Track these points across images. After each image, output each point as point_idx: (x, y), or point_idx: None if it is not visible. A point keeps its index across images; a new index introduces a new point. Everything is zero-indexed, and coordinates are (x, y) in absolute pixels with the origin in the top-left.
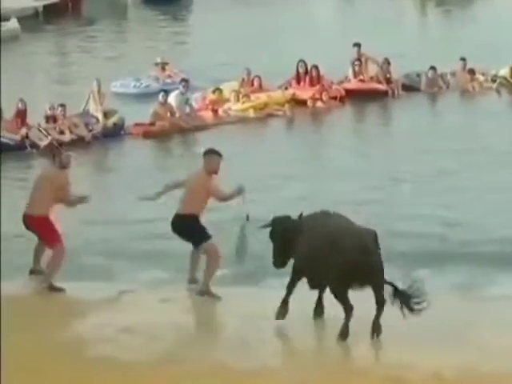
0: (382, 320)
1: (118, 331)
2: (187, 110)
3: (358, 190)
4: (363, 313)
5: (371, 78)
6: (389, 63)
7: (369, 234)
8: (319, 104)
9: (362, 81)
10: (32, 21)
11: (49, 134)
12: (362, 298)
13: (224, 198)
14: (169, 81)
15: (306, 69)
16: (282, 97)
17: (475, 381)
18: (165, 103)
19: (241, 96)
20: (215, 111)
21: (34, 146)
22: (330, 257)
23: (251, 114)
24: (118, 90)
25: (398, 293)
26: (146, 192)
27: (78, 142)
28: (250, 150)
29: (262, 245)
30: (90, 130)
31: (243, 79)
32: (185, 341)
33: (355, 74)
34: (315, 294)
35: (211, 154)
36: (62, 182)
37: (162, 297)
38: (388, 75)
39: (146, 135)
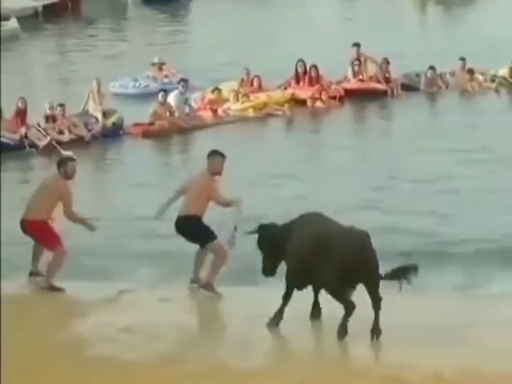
0: (382, 320)
1: (118, 331)
2: (186, 109)
3: (358, 189)
4: (363, 313)
5: (370, 77)
6: (388, 63)
7: (362, 234)
8: (319, 104)
9: (361, 80)
10: (31, 20)
11: (48, 134)
12: (362, 298)
13: (222, 203)
14: (167, 81)
15: (305, 69)
16: (282, 97)
17: (475, 381)
18: (164, 103)
19: (240, 96)
20: (215, 111)
21: (32, 145)
22: (325, 259)
23: (251, 113)
24: (116, 90)
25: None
26: (145, 193)
27: (78, 142)
28: (249, 150)
29: None
30: (90, 130)
31: (242, 79)
32: (185, 340)
33: (354, 74)
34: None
35: (215, 155)
36: (63, 193)
37: (162, 296)
38: (387, 75)
39: (146, 135)
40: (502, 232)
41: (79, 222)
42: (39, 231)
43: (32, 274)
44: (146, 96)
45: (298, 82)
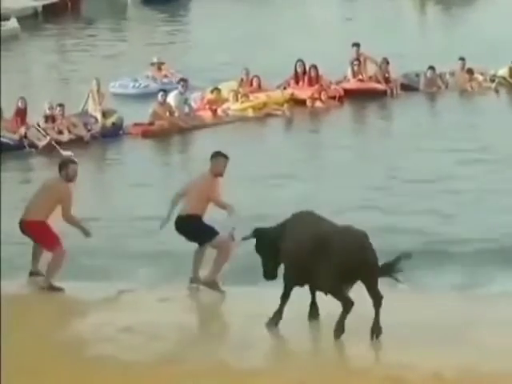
0: (382, 319)
1: (118, 331)
2: (186, 109)
3: (357, 189)
4: (363, 312)
5: (370, 77)
6: (387, 63)
7: (361, 233)
8: (318, 104)
9: (360, 80)
10: (31, 20)
11: (47, 134)
12: (362, 298)
13: (220, 206)
14: (166, 81)
15: (305, 69)
16: (281, 96)
17: (475, 381)
18: (164, 103)
19: (239, 96)
20: (214, 111)
21: (32, 145)
22: (324, 258)
23: (250, 113)
24: (116, 90)
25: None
26: (145, 193)
27: (77, 142)
28: (248, 150)
29: None
30: (89, 130)
31: (242, 79)
32: (185, 340)
33: (354, 74)
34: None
35: (218, 156)
36: (64, 195)
37: (162, 296)
38: (387, 75)
39: (145, 135)
40: (502, 232)
41: (76, 225)
42: (38, 232)
43: (32, 273)
44: (145, 96)
45: (297, 82)
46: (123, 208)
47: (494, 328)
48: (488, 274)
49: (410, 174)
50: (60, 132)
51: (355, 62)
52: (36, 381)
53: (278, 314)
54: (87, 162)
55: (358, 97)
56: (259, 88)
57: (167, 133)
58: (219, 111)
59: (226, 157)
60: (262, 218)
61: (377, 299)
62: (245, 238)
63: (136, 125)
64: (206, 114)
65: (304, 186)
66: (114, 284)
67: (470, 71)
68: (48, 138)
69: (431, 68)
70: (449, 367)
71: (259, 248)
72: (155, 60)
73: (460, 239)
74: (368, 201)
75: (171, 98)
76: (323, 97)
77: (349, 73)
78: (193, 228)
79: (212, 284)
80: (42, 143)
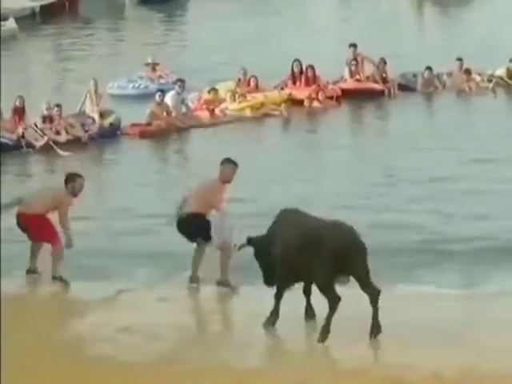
0: (382, 320)
1: (117, 331)
2: (183, 109)
3: (355, 189)
4: (362, 312)
5: (367, 77)
6: (385, 63)
7: (349, 227)
8: (316, 104)
9: (358, 80)
10: (29, 21)
11: (45, 135)
12: (362, 298)
13: (217, 210)
14: (164, 81)
15: (301, 68)
16: (279, 97)
17: (475, 380)
18: (161, 103)
19: (237, 96)
20: (212, 111)
21: (29, 145)
22: (315, 254)
23: (248, 113)
24: (114, 91)
25: None
26: (142, 192)
27: (75, 143)
28: (246, 150)
29: None
30: (87, 131)
31: (239, 79)
32: (183, 340)
33: (351, 74)
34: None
35: (227, 162)
36: (64, 207)
37: (161, 296)
38: (384, 75)
39: (143, 135)
40: (500, 229)
41: (66, 232)
42: (37, 224)
43: (29, 271)
44: (143, 96)
45: (294, 82)
46: (121, 208)
47: (494, 328)
48: (487, 273)
49: (407, 174)
50: (57, 132)
51: (353, 62)
52: (35, 380)
53: (275, 314)
54: (85, 162)
55: (356, 97)
56: (257, 88)
57: (165, 133)
58: (217, 111)
59: (235, 163)
60: (261, 217)
61: (373, 295)
62: (240, 247)
63: (133, 125)
64: (204, 114)
65: (301, 185)
66: (112, 284)
67: (468, 71)
68: (45, 138)
69: (428, 68)
70: (448, 367)
71: (256, 255)
72: (150, 60)
73: (459, 238)
74: (365, 200)
75: (168, 99)
76: (321, 97)
77: (346, 73)
78: (197, 226)
79: (224, 283)
80: (39, 143)
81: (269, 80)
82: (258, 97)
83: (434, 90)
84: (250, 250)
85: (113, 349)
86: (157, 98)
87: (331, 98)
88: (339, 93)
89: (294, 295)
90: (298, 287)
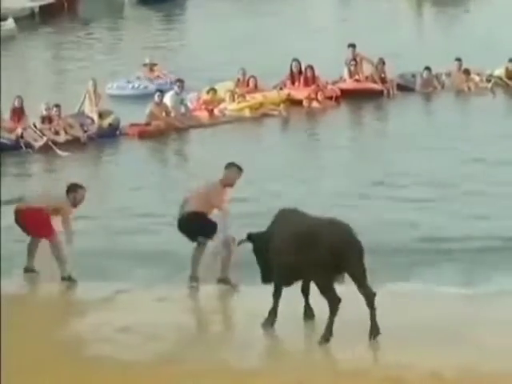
0: (381, 320)
1: (116, 331)
2: (182, 109)
3: (354, 189)
4: (362, 313)
5: (366, 77)
6: (384, 63)
7: (345, 224)
8: (315, 104)
9: (357, 81)
10: (28, 21)
11: (44, 135)
12: (361, 298)
13: (219, 209)
14: (162, 81)
15: (300, 68)
16: (278, 97)
17: (474, 380)
18: (160, 103)
19: (236, 96)
20: (211, 111)
21: (28, 146)
22: (312, 252)
23: (247, 113)
24: (113, 92)
25: None
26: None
27: (74, 143)
28: (245, 150)
29: None
30: (86, 131)
31: (238, 79)
32: (183, 340)
33: (350, 74)
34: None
35: (232, 167)
36: (65, 216)
37: (160, 296)
38: (383, 75)
39: (142, 135)
40: (500, 229)
41: (67, 232)
42: (35, 219)
43: (27, 270)
44: (142, 97)
45: (293, 83)
46: (120, 208)
47: (494, 327)
48: (487, 272)
49: (406, 174)
50: (56, 133)
51: (352, 63)
52: (35, 380)
53: (273, 314)
54: (84, 162)
55: (355, 97)
56: (256, 88)
57: (164, 133)
58: (216, 111)
59: (240, 168)
60: (261, 216)
61: (369, 297)
62: (240, 243)
63: (132, 125)
64: (203, 114)
65: (300, 185)
66: (112, 284)
67: (467, 72)
68: (44, 138)
69: (427, 68)
70: (448, 367)
71: (254, 251)
72: (147, 61)
73: (458, 238)
74: (364, 200)
75: (167, 99)
76: (320, 97)
77: (345, 73)
78: (198, 225)
79: (225, 280)
80: (38, 144)
81: (268, 80)
82: (257, 97)
83: (433, 90)
84: (251, 249)
85: (112, 349)
86: (156, 98)
87: (330, 98)
88: (338, 93)
89: (293, 295)
90: (297, 287)
